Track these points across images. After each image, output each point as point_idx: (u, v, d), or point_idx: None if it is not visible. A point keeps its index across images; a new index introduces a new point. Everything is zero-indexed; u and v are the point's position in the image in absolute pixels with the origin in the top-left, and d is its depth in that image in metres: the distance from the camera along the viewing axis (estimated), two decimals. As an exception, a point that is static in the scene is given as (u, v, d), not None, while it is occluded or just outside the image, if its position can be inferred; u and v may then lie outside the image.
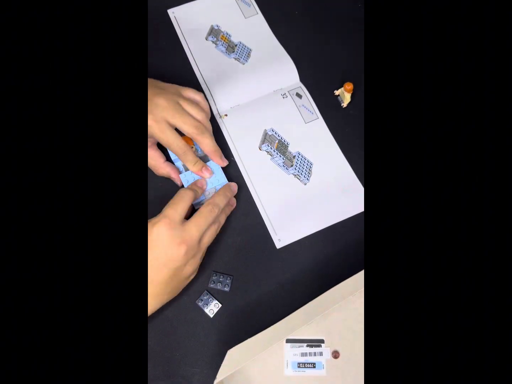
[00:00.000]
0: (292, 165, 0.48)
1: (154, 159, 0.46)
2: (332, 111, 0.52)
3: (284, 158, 0.49)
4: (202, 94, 0.47)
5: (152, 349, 0.40)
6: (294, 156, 0.49)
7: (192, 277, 0.41)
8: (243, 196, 0.47)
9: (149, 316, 0.39)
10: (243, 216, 0.46)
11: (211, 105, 0.52)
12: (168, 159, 0.47)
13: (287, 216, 0.46)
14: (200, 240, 0.39)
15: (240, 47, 0.56)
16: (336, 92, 0.52)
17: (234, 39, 0.56)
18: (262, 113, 0.51)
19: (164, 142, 0.43)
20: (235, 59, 0.55)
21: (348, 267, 0.42)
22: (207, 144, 0.44)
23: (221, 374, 0.33)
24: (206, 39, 0.56)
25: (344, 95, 0.51)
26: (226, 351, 0.38)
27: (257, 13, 0.58)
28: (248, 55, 0.55)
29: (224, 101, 0.52)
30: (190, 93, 0.47)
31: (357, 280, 0.38)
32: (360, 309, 0.41)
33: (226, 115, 0.51)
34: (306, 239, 0.45)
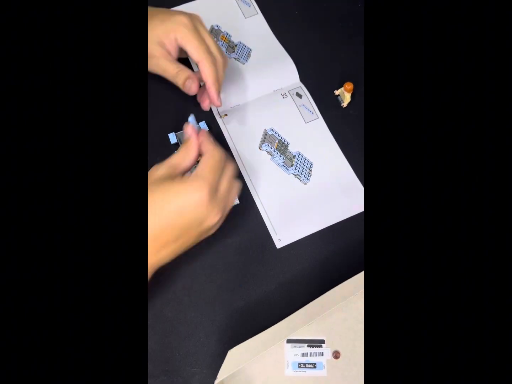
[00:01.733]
0: (292, 165, 0.48)
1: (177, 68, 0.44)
2: (332, 111, 0.52)
3: (284, 158, 0.49)
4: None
5: (152, 349, 0.40)
6: (294, 156, 0.49)
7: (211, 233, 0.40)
8: (243, 196, 0.47)
9: (152, 278, 0.39)
10: (243, 216, 0.46)
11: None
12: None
13: (287, 216, 0.46)
14: (227, 200, 0.39)
15: (240, 47, 0.56)
16: (336, 92, 0.52)
17: (234, 39, 0.56)
18: (262, 113, 0.51)
19: (193, 42, 0.42)
20: (235, 59, 0.55)
21: (348, 267, 0.42)
22: (221, 75, 0.44)
23: (222, 374, 0.33)
24: None
25: (344, 95, 0.51)
26: (226, 351, 0.38)
27: (257, 13, 0.58)
28: (248, 55, 0.55)
29: (224, 101, 0.52)
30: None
31: (358, 281, 0.38)
32: (360, 309, 0.41)
33: (226, 115, 0.51)
34: (306, 239, 0.45)
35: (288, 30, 0.57)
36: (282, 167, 0.48)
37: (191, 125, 0.39)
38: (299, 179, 0.48)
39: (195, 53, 0.42)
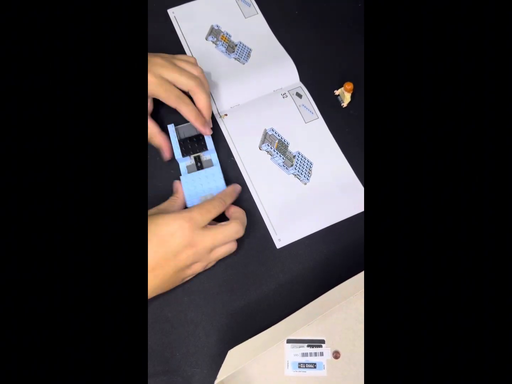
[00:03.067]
0: (292, 165, 0.48)
1: (149, 128, 0.46)
2: (332, 111, 0.52)
3: (284, 157, 0.49)
4: (194, 58, 0.49)
5: (152, 349, 0.40)
6: (294, 156, 0.49)
7: (187, 279, 0.42)
8: (243, 196, 0.47)
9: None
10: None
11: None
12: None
13: (287, 216, 0.46)
14: (210, 250, 0.40)
15: (240, 47, 0.56)
16: (336, 92, 0.52)
17: (234, 39, 0.56)
18: (262, 113, 0.51)
19: (162, 96, 0.44)
20: (235, 59, 0.55)
21: (348, 267, 0.42)
22: (203, 98, 0.45)
23: (222, 374, 0.33)
24: (206, 39, 0.56)
25: (344, 95, 0.51)
26: (227, 351, 0.38)
27: (257, 13, 0.58)
28: (248, 55, 0.55)
29: (224, 101, 0.52)
30: (183, 56, 0.49)
31: (358, 281, 0.38)
32: (360, 309, 0.41)
33: (226, 115, 0.51)
34: (306, 239, 0.45)
35: (288, 30, 0.57)
36: (282, 167, 0.48)
37: (178, 182, 0.45)
38: (299, 179, 0.48)
39: (169, 103, 0.45)
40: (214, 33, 0.57)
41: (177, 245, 0.37)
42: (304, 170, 0.48)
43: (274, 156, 0.49)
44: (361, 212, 0.46)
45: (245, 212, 0.44)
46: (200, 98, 0.45)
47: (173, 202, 0.43)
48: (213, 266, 0.43)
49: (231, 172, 0.48)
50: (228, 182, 0.47)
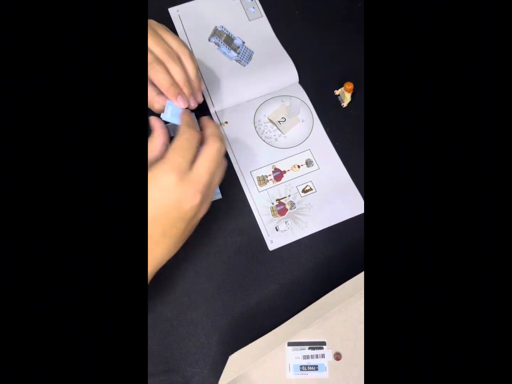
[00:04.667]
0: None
1: (148, 94, 0.42)
2: (332, 111, 0.52)
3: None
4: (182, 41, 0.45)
5: (152, 349, 0.40)
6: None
7: (200, 219, 0.39)
8: (241, 197, 0.47)
9: (153, 278, 0.38)
10: (242, 217, 0.46)
11: (208, 105, 0.52)
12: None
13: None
14: (211, 182, 0.37)
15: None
16: (336, 92, 0.52)
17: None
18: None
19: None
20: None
21: (348, 267, 0.42)
22: (188, 62, 0.42)
23: (224, 380, 0.33)
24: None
25: (344, 95, 0.51)
26: (226, 351, 0.38)
27: (262, 16, 0.58)
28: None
29: (223, 101, 0.52)
30: (170, 34, 0.44)
31: (357, 282, 0.38)
32: (360, 310, 0.41)
33: (226, 122, 0.51)
34: (306, 239, 0.45)
35: (288, 30, 0.57)
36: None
37: (153, 117, 0.39)
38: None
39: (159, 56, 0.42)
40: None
41: (177, 200, 0.35)
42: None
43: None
44: (361, 213, 0.46)
45: (245, 212, 0.44)
46: (176, 71, 0.42)
47: (152, 143, 0.38)
48: (214, 265, 0.43)
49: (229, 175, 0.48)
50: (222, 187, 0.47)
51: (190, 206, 0.35)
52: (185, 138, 0.36)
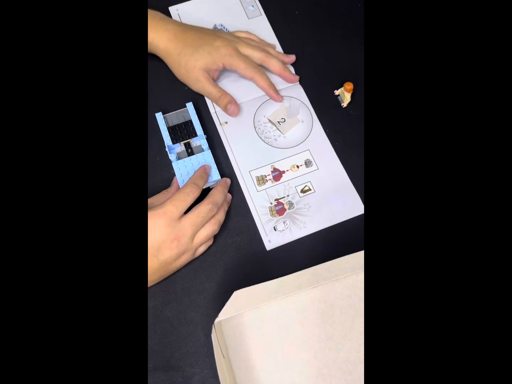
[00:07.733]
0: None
1: (214, 91, 0.50)
2: (332, 111, 0.52)
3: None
4: (254, 35, 0.55)
5: (152, 349, 0.40)
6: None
7: (178, 268, 0.42)
8: (240, 196, 0.47)
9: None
10: (242, 217, 0.46)
11: (209, 105, 0.52)
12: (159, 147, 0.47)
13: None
14: (193, 237, 0.40)
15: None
16: (336, 92, 0.52)
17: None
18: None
19: (241, 66, 0.50)
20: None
21: (348, 267, 0.42)
22: (276, 62, 0.52)
23: (224, 314, 0.34)
24: None
25: (344, 95, 0.51)
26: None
27: (261, 14, 0.58)
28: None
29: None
30: (243, 33, 0.55)
31: (358, 259, 0.38)
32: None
33: (226, 122, 0.51)
34: (306, 239, 0.45)
35: (288, 30, 0.57)
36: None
37: (176, 178, 0.46)
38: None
39: (246, 73, 0.50)
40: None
41: (156, 240, 0.38)
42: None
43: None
44: (360, 214, 0.46)
45: (245, 212, 0.44)
46: (274, 63, 0.51)
47: (163, 195, 0.44)
48: (214, 265, 0.43)
49: (225, 170, 0.48)
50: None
51: (168, 249, 0.39)
52: (184, 191, 0.41)
